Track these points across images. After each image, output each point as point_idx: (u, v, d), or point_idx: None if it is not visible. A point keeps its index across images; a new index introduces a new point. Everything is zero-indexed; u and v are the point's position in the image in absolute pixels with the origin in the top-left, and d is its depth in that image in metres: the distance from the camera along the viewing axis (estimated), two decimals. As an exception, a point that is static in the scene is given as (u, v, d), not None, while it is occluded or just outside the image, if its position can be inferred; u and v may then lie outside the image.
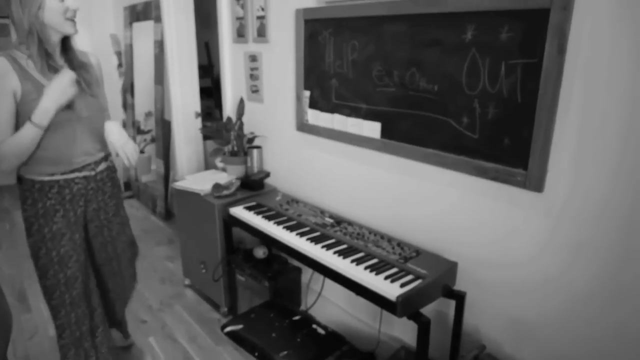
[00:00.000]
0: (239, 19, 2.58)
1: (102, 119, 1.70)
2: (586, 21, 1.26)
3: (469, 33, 1.50)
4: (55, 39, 1.54)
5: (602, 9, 1.23)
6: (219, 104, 4.54)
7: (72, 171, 1.63)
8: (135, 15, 3.88)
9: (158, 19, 3.47)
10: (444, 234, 1.77)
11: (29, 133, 1.47)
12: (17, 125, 1.50)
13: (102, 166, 1.76)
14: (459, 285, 1.71)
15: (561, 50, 1.30)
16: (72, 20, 1.52)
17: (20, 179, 1.62)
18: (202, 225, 2.47)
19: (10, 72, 1.46)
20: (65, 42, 1.60)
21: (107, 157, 1.78)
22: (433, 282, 1.57)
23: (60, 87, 1.48)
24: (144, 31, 3.87)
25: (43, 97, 1.47)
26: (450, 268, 1.67)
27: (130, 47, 4.08)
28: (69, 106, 1.54)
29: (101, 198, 1.76)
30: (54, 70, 1.52)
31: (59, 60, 1.59)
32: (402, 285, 1.53)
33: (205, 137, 3.54)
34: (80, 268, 1.70)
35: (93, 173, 1.70)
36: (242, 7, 2.53)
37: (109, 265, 1.89)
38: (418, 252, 1.75)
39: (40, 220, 1.61)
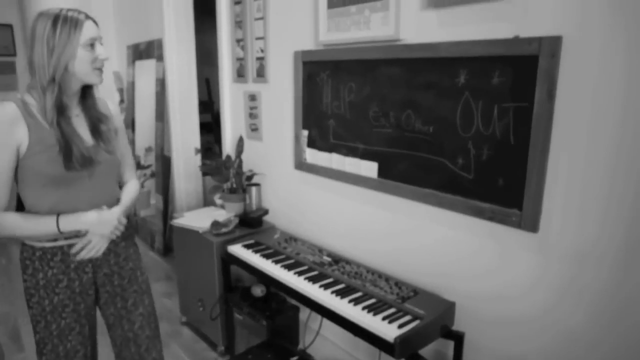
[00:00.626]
0: (239, 59, 2.66)
1: (116, 175, 1.54)
2: (574, 68, 1.31)
3: (462, 77, 1.55)
4: (75, 88, 1.38)
5: (590, 57, 1.28)
6: (218, 139, 4.60)
7: (78, 235, 1.40)
8: (138, 53, 3.98)
9: (160, 58, 3.55)
10: (441, 273, 1.77)
11: (48, 230, 1.33)
12: (16, 180, 1.35)
13: None
14: (457, 325, 1.70)
15: (550, 95, 1.34)
16: (99, 69, 1.37)
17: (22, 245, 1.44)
18: (200, 263, 2.47)
19: (19, 121, 1.28)
20: (85, 90, 1.44)
21: None
22: (431, 323, 1.57)
23: (105, 221, 1.38)
24: (146, 69, 3.97)
25: (83, 215, 1.36)
26: (449, 308, 1.66)
27: (132, 85, 4.16)
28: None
29: (114, 261, 1.52)
30: (66, 121, 1.35)
31: (75, 109, 1.41)
32: (400, 326, 1.52)
33: (205, 174, 3.57)
34: (82, 341, 1.48)
35: None
36: (243, 48, 2.61)
37: (127, 348, 1.59)
38: (416, 291, 1.75)
39: (40, 292, 1.40)
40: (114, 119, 1.54)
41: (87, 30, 1.30)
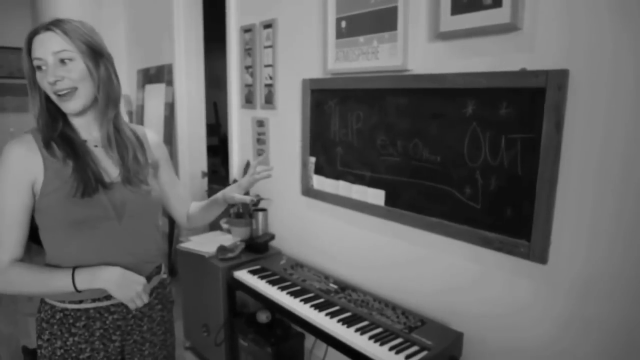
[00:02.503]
0: (248, 86, 2.70)
1: (154, 219, 1.30)
2: (582, 101, 1.32)
3: (469, 108, 1.57)
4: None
5: (598, 91, 1.29)
6: (224, 162, 4.62)
7: (108, 296, 1.17)
8: (148, 78, 4.05)
9: (170, 83, 3.61)
10: (449, 303, 1.75)
11: (62, 287, 1.10)
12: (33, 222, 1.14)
13: (153, 283, 1.29)
14: (465, 356, 1.68)
15: (558, 127, 1.35)
16: (58, 96, 1.11)
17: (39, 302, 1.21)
18: (206, 288, 2.46)
19: (34, 153, 1.10)
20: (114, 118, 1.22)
21: (159, 267, 1.34)
22: (439, 354, 1.54)
23: (128, 283, 1.13)
24: (155, 93, 4.02)
25: (102, 270, 1.11)
26: (456, 338, 1.64)
27: (141, 108, 4.22)
28: (105, 205, 1.15)
29: (147, 327, 1.28)
30: (81, 146, 1.16)
31: (104, 140, 1.20)
32: (408, 357, 1.50)
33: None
34: None
35: None
36: (251, 75, 2.65)
37: None
38: (423, 321, 1.73)
39: None
40: (154, 151, 1.33)
41: (36, 50, 1.09)
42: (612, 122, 1.27)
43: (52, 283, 1.10)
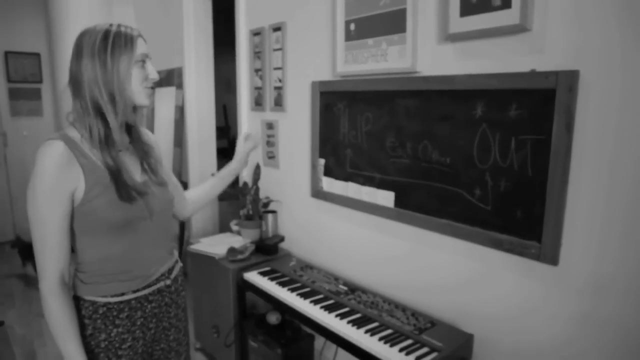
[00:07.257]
0: (257, 88, 2.72)
1: (172, 211, 1.39)
2: (593, 102, 1.32)
3: (478, 109, 1.57)
4: (128, 110, 1.21)
5: (609, 92, 1.29)
6: (234, 165, 4.63)
7: (146, 286, 1.26)
8: (159, 81, 4.06)
9: (180, 86, 3.64)
10: (459, 304, 1.75)
11: (62, 347, 1.14)
12: (73, 231, 1.16)
13: (176, 270, 1.38)
14: (475, 358, 1.67)
15: (569, 128, 1.35)
16: (150, 89, 1.21)
17: (75, 299, 1.20)
18: (216, 289, 2.48)
19: (72, 162, 1.10)
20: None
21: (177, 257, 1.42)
22: (449, 356, 1.55)
23: None
24: (166, 96, 4.06)
25: None
26: (467, 340, 1.64)
27: (152, 111, 4.26)
28: (142, 206, 1.20)
29: (174, 313, 1.35)
30: (114, 154, 1.17)
31: (123, 142, 1.23)
32: (418, 359, 1.51)
33: (221, 199, 3.61)
34: None
35: (168, 282, 1.32)
36: (261, 78, 2.67)
37: None
38: (433, 323, 1.73)
39: (100, 356, 1.19)
40: (157, 148, 1.42)
41: (140, 46, 1.17)
42: (624, 123, 1.27)
43: (62, 339, 1.12)
